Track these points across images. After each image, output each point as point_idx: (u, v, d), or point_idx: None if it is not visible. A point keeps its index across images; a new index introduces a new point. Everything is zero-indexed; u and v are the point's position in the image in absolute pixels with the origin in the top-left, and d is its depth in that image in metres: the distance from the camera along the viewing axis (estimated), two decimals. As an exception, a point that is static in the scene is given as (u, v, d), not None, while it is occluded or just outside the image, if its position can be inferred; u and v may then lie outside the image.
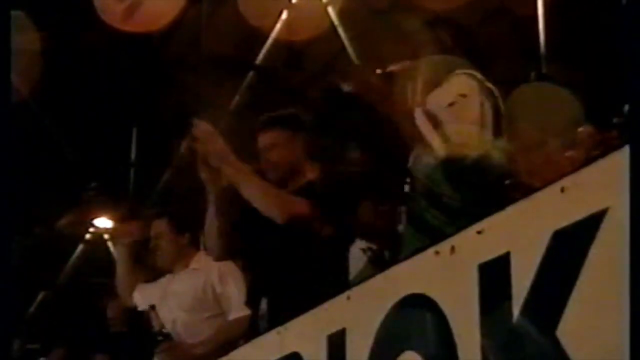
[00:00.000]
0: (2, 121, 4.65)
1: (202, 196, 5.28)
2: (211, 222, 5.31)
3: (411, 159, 4.72)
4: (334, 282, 4.79)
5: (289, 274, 5.06)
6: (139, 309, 6.56)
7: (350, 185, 5.13)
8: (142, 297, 6.59)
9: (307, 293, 4.62)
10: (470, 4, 7.14)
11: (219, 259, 5.73)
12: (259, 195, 5.02)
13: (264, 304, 5.15)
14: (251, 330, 5.25)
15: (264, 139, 5.29)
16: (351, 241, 5.29)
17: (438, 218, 4.23)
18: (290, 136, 5.29)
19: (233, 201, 5.21)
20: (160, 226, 6.54)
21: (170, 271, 6.52)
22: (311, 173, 5.26)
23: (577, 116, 4.83)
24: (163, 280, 6.54)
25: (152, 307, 6.27)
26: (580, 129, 4.76)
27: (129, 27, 9.23)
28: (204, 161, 5.09)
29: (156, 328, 6.23)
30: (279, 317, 4.53)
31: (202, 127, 5.08)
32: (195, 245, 6.46)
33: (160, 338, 6.14)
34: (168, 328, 6.20)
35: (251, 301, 5.40)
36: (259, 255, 5.30)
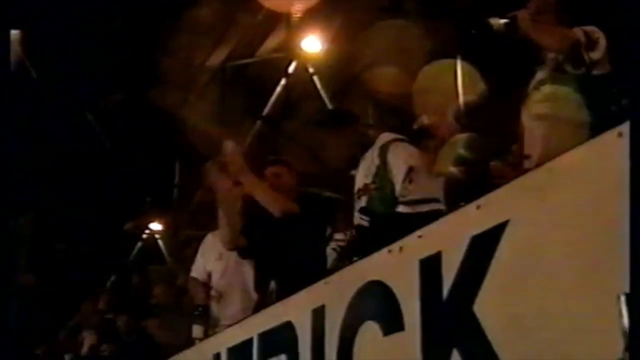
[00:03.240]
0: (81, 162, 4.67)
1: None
2: (221, 219, 5.25)
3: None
4: (318, 267, 4.83)
5: (289, 264, 4.99)
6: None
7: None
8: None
9: (301, 276, 4.62)
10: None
11: (229, 249, 5.66)
12: (265, 196, 4.99)
13: (272, 285, 5.13)
14: (262, 304, 5.21)
15: (273, 170, 5.31)
16: (328, 240, 5.28)
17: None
18: (286, 171, 5.32)
19: (243, 210, 5.19)
20: None
21: None
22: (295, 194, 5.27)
23: None
24: None
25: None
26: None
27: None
28: (219, 169, 5.05)
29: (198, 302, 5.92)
30: (283, 294, 4.52)
31: (229, 146, 5.06)
32: None
33: (199, 310, 5.79)
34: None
35: (261, 284, 5.34)
36: (268, 251, 5.27)
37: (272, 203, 4.97)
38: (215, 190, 5.22)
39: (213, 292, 5.95)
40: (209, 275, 6.12)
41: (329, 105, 9.68)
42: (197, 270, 6.27)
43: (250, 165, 5.19)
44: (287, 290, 4.50)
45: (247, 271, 5.89)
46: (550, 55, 4.10)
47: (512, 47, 4.36)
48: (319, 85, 9.82)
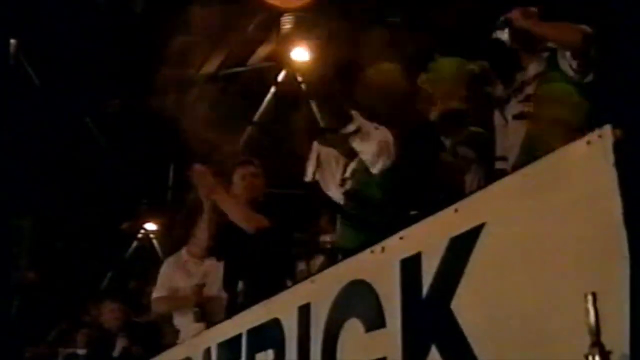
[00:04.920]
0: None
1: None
2: (202, 227, 5.29)
3: (349, 171, 4.68)
4: (285, 270, 4.86)
5: (256, 266, 5.02)
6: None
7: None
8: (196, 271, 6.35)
9: (268, 278, 4.62)
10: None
11: (204, 255, 5.66)
12: (236, 214, 5.03)
13: (240, 285, 5.11)
14: (231, 303, 5.19)
15: (250, 170, 5.32)
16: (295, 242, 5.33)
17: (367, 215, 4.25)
18: (261, 171, 5.35)
19: (219, 218, 5.18)
20: None
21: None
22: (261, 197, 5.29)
23: None
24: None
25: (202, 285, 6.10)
26: None
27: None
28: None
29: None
30: (251, 294, 4.52)
31: (197, 168, 5.12)
32: None
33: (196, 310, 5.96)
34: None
35: (230, 284, 5.32)
36: (237, 253, 5.25)
37: (245, 220, 4.99)
38: (203, 200, 5.22)
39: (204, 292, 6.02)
40: (175, 292, 6.20)
41: (316, 111, 9.73)
42: (161, 290, 6.32)
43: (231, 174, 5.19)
44: (254, 290, 4.51)
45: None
46: (535, 61, 4.03)
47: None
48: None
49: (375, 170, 4.46)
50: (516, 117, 4.02)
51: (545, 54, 4.02)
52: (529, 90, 4.02)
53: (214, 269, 6.09)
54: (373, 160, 4.45)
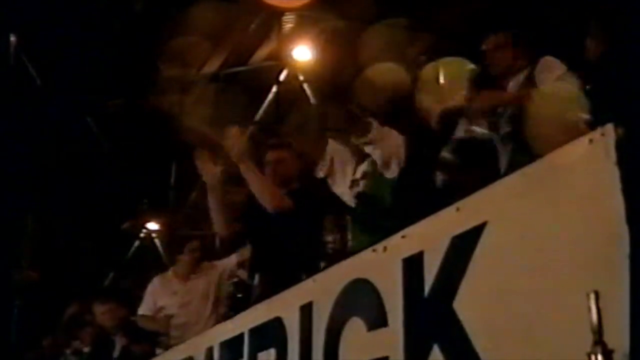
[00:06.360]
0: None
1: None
2: (212, 208, 4.99)
3: (359, 173, 4.66)
4: (308, 266, 4.69)
5: (275, 258, 4.87)
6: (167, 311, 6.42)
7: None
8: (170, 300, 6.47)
9: (288, 272, 4.52)
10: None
11: (226, 237, 5.44)
12: (259, 188, 4.73)
13: (257, 279, 5.02)
14: (246, 296, 5.13)
15: (275, 155, 5.08)
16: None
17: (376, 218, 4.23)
18: (289, 156, 5.11)
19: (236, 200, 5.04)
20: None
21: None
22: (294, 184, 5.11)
23: None
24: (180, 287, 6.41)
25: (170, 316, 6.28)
26: None
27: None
28: (208, 156, 4.85)
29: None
30: (267, 289, 4.44)
31: (233, 130, 4.80)
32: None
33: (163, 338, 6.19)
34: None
35: (250, 276, 5.23)
36: (255, 244, 5.14)
37: (266, 197, 4.72)
38: (203, 176, 5.01)
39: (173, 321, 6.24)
40: (160, 310, 6.29)
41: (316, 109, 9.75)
42: (147, 308, 6.41)
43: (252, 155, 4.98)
44: (270, 284, 4.45)
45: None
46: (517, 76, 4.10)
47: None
48: (309, 92, 9.87)
49: (389, 174, 4.38)
50: (504, 138, 4.08)
51: (523, 73, 4.08)
52: (509, 112, 4.07)
53: (198, 287, 6.17)
54: (387, 164, 4.37)
